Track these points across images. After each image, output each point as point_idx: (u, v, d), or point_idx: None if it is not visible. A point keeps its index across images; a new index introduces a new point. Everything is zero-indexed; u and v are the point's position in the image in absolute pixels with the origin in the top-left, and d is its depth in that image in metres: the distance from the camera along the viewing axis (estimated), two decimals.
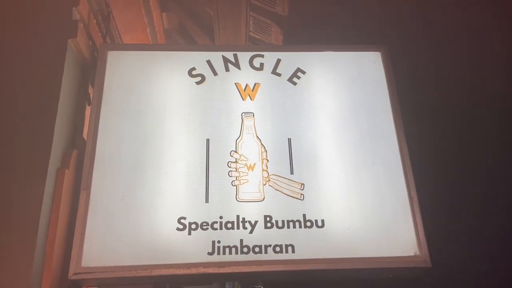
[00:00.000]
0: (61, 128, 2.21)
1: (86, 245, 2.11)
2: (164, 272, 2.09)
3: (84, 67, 2.55)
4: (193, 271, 2.10)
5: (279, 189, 2.31)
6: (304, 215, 2.25)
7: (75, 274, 2.05)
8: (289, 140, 2.44)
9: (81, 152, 2.33)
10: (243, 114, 2.49)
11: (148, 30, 3.33)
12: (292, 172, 2.35)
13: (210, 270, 2.10)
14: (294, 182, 2.33)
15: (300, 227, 2.22)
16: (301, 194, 2.31)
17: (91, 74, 2.58)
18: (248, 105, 2.53)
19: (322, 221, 2.24)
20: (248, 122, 2.48)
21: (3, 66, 2.21)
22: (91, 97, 2.60)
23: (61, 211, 2.09)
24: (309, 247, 2.18)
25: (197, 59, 2.66)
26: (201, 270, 2.10)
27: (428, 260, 2.18)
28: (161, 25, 3.56)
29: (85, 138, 2.43)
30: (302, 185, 2.32)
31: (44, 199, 1.99)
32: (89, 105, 2.59)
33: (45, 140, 2.09)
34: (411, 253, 2.20)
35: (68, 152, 2.26)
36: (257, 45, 3.44)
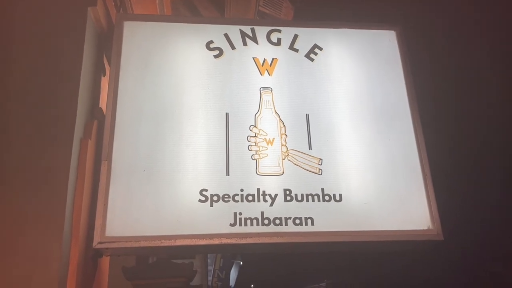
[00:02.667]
0: (83, 99, 2.18)
1: (109, 215, 2.12)
2: (188, 242, 2.13)
3: (100, 37, 2.51)
4: (216, 241, 2.15)
5: (298, 164, 2.36)
6: (322, 189, 2.31)
7: (100, 243, 2.07)
8: (307, 116, 2.48)
9: (100, 122, 2.32)
10: (261, 89, 2.51)
11: (156, 0, 3.28)
12: (310, 148, 2.40)
13: (233, 241, 2.15)
14: (312, 157, 2.38)
15: (319, 200, 2.28)
16: (319, 169, 2.36)
17: (106, 44, 2.54)
18: (266, 80, 2.55)
19: (340, 195, 2.31)
20: (266, 97, 2.50)
21: (25, 35, 2.16)
22: (106, 67, 2.57)
23: (85, 182, 2.09)
24: (327, 220, 2.25)
25: (215, 32, 2.64)
26: (224, 240, 2.15)
27: (440, 233, 2.28)
28: None
29: (103, 108, 2.41)
30: (320, 160, 2.38)
31: (71, 169, 1.98)
32: (103, 76, 2.56)
33: (70, 110, 2.07)
34: (425, 227, 2.29)
35: (90, 122, 2.24)
36: (274, 19, 3.43)
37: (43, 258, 1.80)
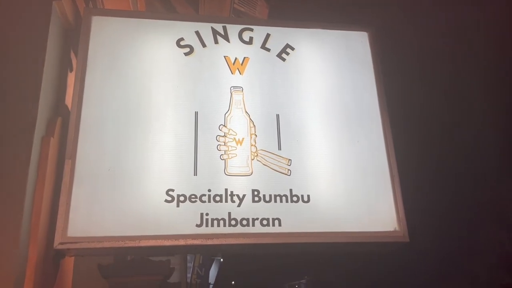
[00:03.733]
0: (46, 95, 2.12)
1: (72, 215, 2.07)
2: (152, 243, 2.10)
3: (67, 32, 2.44)
4: (181, 242, 2.12)
5: (267, 164, 2.34)
6: (291, 190, 2.30)
7: (61, 243, 2.02)
8: (278, 116, 2.46)
9: (65, 119, 2.26)
10: (232, 88, 2.48)
11: None
12: (280, 148, 2.39)
13: (198, 242, 2.13)
14: (281, 158, 2.37)
15: (287, 201, 2.28)
16: (288, 169, 2.35)
17: (74, 39, 2.47)
18: (237, 79, 2.52)
19: (308, 196, 2.30)
20: (237, 96, 2.47)
21: None
22: (72, 63, 2.51)
23: (46, 180, 2.04)
24: (295, 221, 2.24)
25: (186, 29, 2.60)
26: (189, 241, 2.12)
27: (406, 235, 2.30)
28: None
29: (68, 105, 2.35)
30: (289, 161, 2.37)
31: (30, 168, 1.93)
32: (70, 71, 2.49)
33: (31, 106, 2.01)
34: (391, 228, 2.31)
35: (53, 120, 2.18)
36: (243, 18, 3.40)
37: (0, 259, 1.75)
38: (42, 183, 2.02)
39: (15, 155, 1.92)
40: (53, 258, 2.10)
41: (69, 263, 2.43)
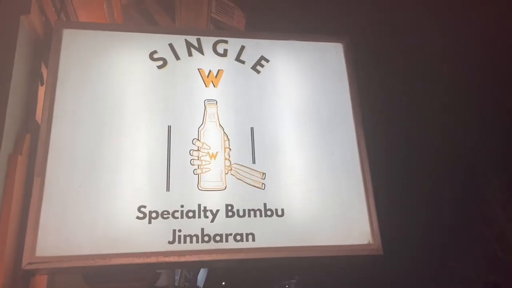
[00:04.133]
0: (13, 110, 2.09)
1: (40, 234, 2.03)
2: (124, 261, 2.07)
3: (37, 45, 2.41)
4: (153, 260, 2.09)
5: (241, 178, 2.33)
6: (265, 204, 2.29)
7: (29, 263, 1.98)
8: (252, 129, 2.45)
9: (34, 136, 2.22)
10: (206, 101, 2.47)
11: (104, 5, 3.18)
12: (254, 161, 2.37)
13: (170, 259, 2.10)
14: (255, 172, 2.36)
15: (261, 216, 2.26)
16: (263, 183, 2.34)
17: (44, 53, 2.43)
18: (211, 92, 2.50)
19: (282, 210, 2.29)
20: (211, 109, 2.45)
21: None
22: (44, 77, 2.46)
23: (14, 199, 2.00)
24: (269, 236, 2.23)
25: (159, 42, 2.58)
26: (161, 259, 2.10)
27: (380, 248, 2.30)
28: (118, 0, 3.40)
29: (39, 121, 2.31)
30: (264, 175, 2.35)
31: None
32: (42, 85, 2.45)
33: None
34: (365, 241, 2.31)
35: (21, 136, 2.14)
36: (221, 30, 3.38)
37: None
38: (9, 201, 1.98)
39: None
40: (22, 277, 2.06)
41: (41, 281, 2.39)
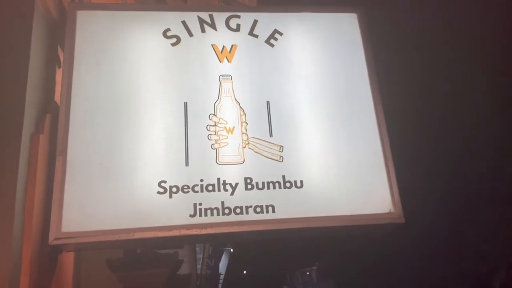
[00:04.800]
0: (33, 92, 2.12)
1: (65, 211, 2.08)
2: (147, 235, 2.10)
3: (52, 27, 2.43)
4: (175, 233, 2.12)
5: (258, 152, 2.33)
6: (283, 176, 2.29)
7: (56, 239, 2.03)
8: (268, 102, 2.44)
9: (54, 116, 2.26)
10: (221, 76, 2.47)
11: None
12: (271, 135, 2.37)
13: (192, 232, 2.13)
14: (273, 145, 2.36)
15: (280, 188, 2.27)
16: (280, 156, 2.34)
17: (60, 35, 2.46)
18: (225, 67, 2.50)
19: (301, 181, 2.29)
20: (226, 85, 2.45)
21: None
22: (60, 59, 2.50)
23: (38, 177, 2.04)
24: (288, 207, 2.23)
25: (171, 19, 2.58)
26: (183, 232, 2.12)
27: (401, 216, 2.29)
28: None
29: (57, 101, 2.35)
30: (281, 147, 2.35)
31: (20, 165, 1.93)
32: (59, 68, 2.49)
33: (17, 104, 2.01)
34: (386, 210, 2.30)
35: (42, 116, 2.18)
36: (233, 5, 3.37)
37: None
38: (34, 180, 2.02)
39: (4, 153, 1.92)
40: (49, 254, 2.12)
41: (68, 258, 2.45)
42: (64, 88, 2.30)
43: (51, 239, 2.03)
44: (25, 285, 1.86)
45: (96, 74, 2.37)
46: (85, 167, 2.18)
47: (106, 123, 2.27)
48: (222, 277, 19.51)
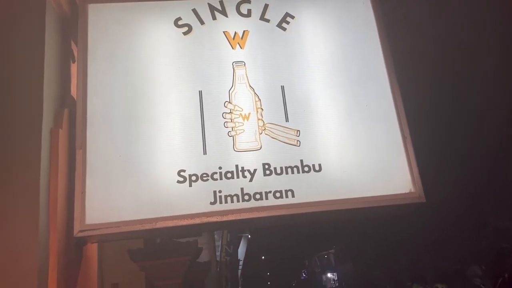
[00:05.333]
0: (49, 87, 2.14)
1: (88, 203, 2.12)
2: (169, 223, 2.13)
3: (64, 22, 2.44)
4: (197, 221, 2.15)
5: (275, 137, 2.33)
6: (301, 161, 2.29)
7: (80, 231, 2.08)
8: (282, 87, 2.43)
9: (72, 110, 2.28)
10: (234, 63, 2.46)
11: None
12: (287, 120, 2.37)
13: (214, 219, 2.15)
14: (289, 129, 2.35)
15: (298, 172, 2.27)
16: (297, 140, 2.33)
17: (72, 30, 2.47)
18: (238, 53, 2.49)
19: (319, 165, 2.29)
20: (239, 71, 2.44)
21: None
22: (74, 53, 2.51)
23: (60, 171, 2.07)
24: (308, 191, 2.24)
25: (182, 8, 2.57)
26: (205, 219, 2.15)
27: (422, 195, 2.27)
28: None
29: (74, 96, 2.37)
30: (298, 132, 2.34)
31: (42, 160, 1.96)
32: (73, 62, 2.50)
33: (36, 100, 2.03)
34: (406, 190, 2.28)
35: (60, 111, 2.20)
36: None
37: (20, 250, 1.81)
38: (56, 174, 2.05)
39: (25, 149, 1.95)
40: (74, 246, 2.16)
41: (92, 249, 2.50)
42: (80, 82, 2.32)
43: (76, 231, 2.07)
44: (53, 277, 1.90)
45: (110, 66, 2.38)
46: (105, 159, 2.21)
47: (123, 115, 2.29)
48: (241, 263, 19.71)
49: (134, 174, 2.20)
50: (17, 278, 1.77)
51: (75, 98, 2.32)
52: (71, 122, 2.26)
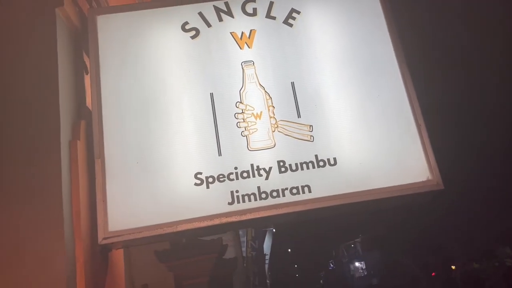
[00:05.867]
0: (65, 100, 2.20)
1: (109, 211, 2.17)
2: (189, 226, 2.17)
3: (75, 35, 2.50)
4: (216, 221, 2.18)
5: (288, 134, 2.34)
6: (316, 156, 2.29)
7: (104, 238, 2.13)
8: (292, 84, 2.44)
9: (88, 121, 2.34)
10: (243, 63, 2.47)
11: None
12: (299, 116, 2.37)
13: (233, 219, 2.18)
14: (302, 125, 2.36)
15: (314, 167, 2.28)
16: (311, 135, 2.34)
17: (83, 42, 2.53)
18: (246, 53, 2.50)
19: (334, 159, 2.29)
20: (249, 71, 2.46)
21: None
22: (87, 64, 2.57)
23: (80, 181, 2.14)
24: (324, 186, 2.24)
25: (188, 12, 2.59)
26: (224, 220, 2.18)
27: (440, 182, 2.25)
28: None
29: (89, 107, 2.43)
30: (311, 127, 2.35)
31: (62, 172, 2.02)
32: (86, 74, 2.56)
33: (52, 114, 2.09)
34: (423, 178, 2.26)
35: (77, 123, 2.26)
36: None
37: (48, 260, 1.87)
38: (77, 184, 2.12)
39: (46, 161, 2.01)
40: (100, 253, 2.22)
41: (118, 255, 2.56)
42: (94, 93, 2.37)
43: (100, 239, 2.13)
44: (81, 285, 1.96)
45: (122, 75, 2.43)
46: (123, 167, 2.26)
47: (138, 122, 2.34)
48: (267, 257, 19.81)
49: (153, 180, 2.24)
50: (45, 285, 1.83)
51: (91, 109, 2.37)
52: (88, 133, 2.32)
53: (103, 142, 2.29)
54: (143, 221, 2.17)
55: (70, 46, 2.43)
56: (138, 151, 2.29)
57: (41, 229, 1.91)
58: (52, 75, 2.15)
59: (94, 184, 2.22)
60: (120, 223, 2.16)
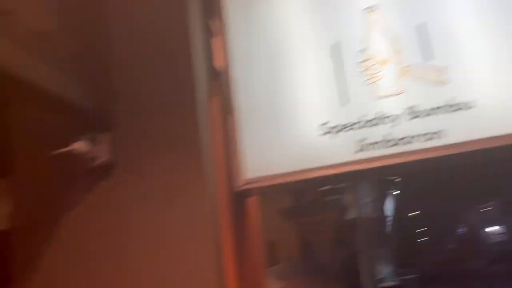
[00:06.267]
0: (196, 60, 2.35)
1: (244, 161, 2.35)
2: (320, 173, 2.26)
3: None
4: (343, 169, 2.23)
5: (418, 78, 2.24)
6: (450, 99, 2.17)
7: (242, 185, 2.34)
8: (422, 24, 2.29)
9: (219, 80, 2.51)
10: (366, 9, 2.40)
11: None
12: (431, 58, 2.24)
13: (361, 166, 2.21)
14: (434, 67, 2.23)
15: (447, 112, 2.16)
16: (444, 78, 2.21)
17: (211, 6, 2.67)
18: None
19: (471, 102, 2.14)
20: (372, 16, 2.39)
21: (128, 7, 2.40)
22: (213, 26, 2.71)
23: (217, 135, 2.35)
24: (459, 131, 2.13)
25: None
26: (353, 167, 2.22)
27: None
28: None
29: (218, 67, 2.59)
30: (445, 68, 2.21)
31: (199, 126, 2.22)
32: (213, 35, 2.71)
33: (187, 73, 2.27)
34: None
35: (211, 82, 2.45)
36: None
37: (193, 200, 2.12)
38: (214, 137, 2.33)
39: (184, 120, 2.22)
40: (239, 199, 2.43)
41: (252, 205, 2.76)
42: (222, 55, 2.53)
43: (238, 185, 2.33)
44: (226, 224, 2.20)
45: (247, 32, 2.52)
46: (254, 120, 2.40)
47: (265, 77, 2.44)
48: (389, 219, 19.36)
49: (282, 131, 2.36)
50: (192, 229, 2.08)
51: (221, 69, 2.54)
52: (220, 90, 2.49)
53: (234, 99, 2.45)
54: (276, 169, 2.31)
55: (199, 10, 2.59)
56: (267, 105, 2.41)
57: (184, 179, 2.14)
58: (183, 36, 2.29)
59: (229, 137, 2.41)
60: (255, 171, 2.33)
